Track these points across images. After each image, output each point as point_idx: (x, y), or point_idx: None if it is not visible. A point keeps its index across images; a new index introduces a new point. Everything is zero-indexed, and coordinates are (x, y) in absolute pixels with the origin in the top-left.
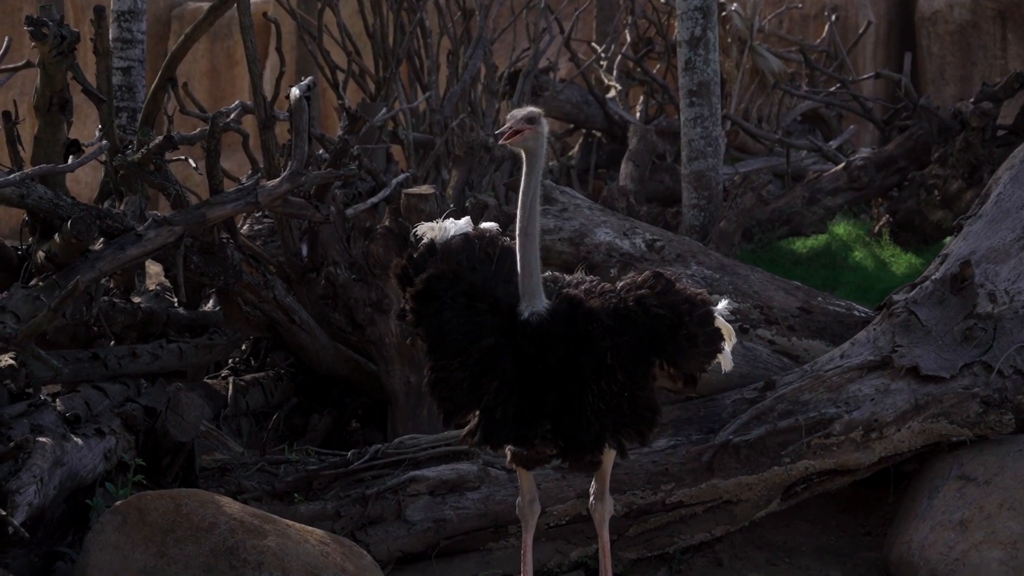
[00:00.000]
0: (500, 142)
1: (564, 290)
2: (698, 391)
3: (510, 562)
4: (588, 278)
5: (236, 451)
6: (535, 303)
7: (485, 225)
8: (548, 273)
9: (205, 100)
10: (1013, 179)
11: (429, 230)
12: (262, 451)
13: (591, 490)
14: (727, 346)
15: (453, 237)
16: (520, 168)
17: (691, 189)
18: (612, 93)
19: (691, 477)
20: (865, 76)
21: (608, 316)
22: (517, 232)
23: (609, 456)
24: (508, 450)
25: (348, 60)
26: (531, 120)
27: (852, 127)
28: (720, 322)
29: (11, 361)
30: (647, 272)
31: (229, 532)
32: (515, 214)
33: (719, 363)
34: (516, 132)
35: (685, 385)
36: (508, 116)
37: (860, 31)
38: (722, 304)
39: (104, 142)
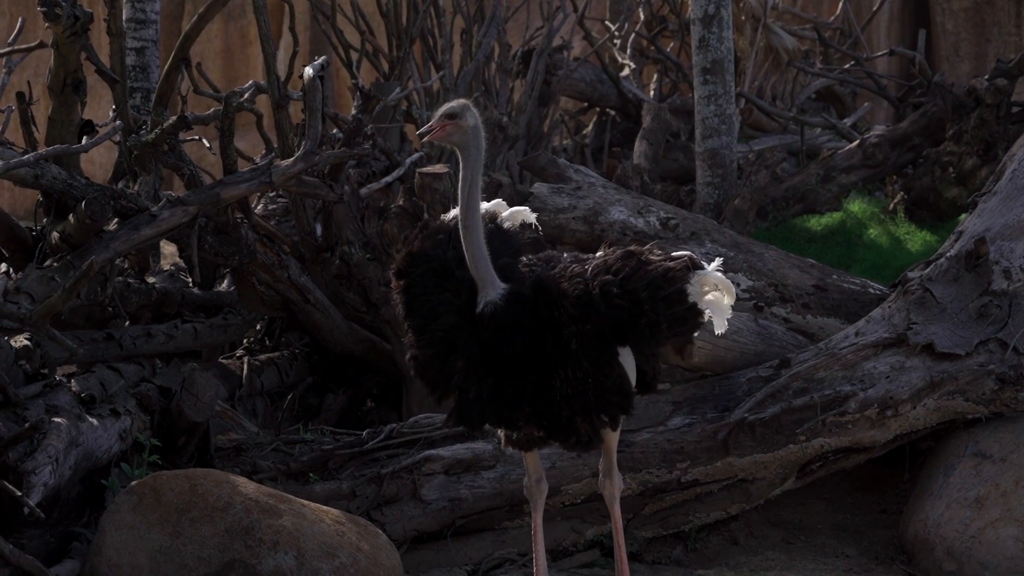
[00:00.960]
0: (424, 140)
1: (538, 273)
2: (712, 369)
3: (526, 541)
4: (568, 257)
5: (251, 431)
6: (488, 292)
7: (489, 206)
8: (546, 253)
9: (219, 80)
10: None
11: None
12: (277, 431)
13: (600, 468)
14: (720, 311)
15: (452, 218)
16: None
17: (705, 167)
18: (626, 71)
19: (706, 455)
20: (879, 54)
21: (572, 303)
22: (460, 225)
23: (610, 434)
24: (500, 432)
25: (362, 39)
26: (451, 115)
27: (866, 104)
28: (698, 294)
29: (26, 342)
30: (618, 252)
31: (244, 512)
32: (529, 192)
33: (712, 326)
34: (440, 129)
35: (677, 354)
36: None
37: (874, 8)
38: (713, 265)
39: (118, 122)
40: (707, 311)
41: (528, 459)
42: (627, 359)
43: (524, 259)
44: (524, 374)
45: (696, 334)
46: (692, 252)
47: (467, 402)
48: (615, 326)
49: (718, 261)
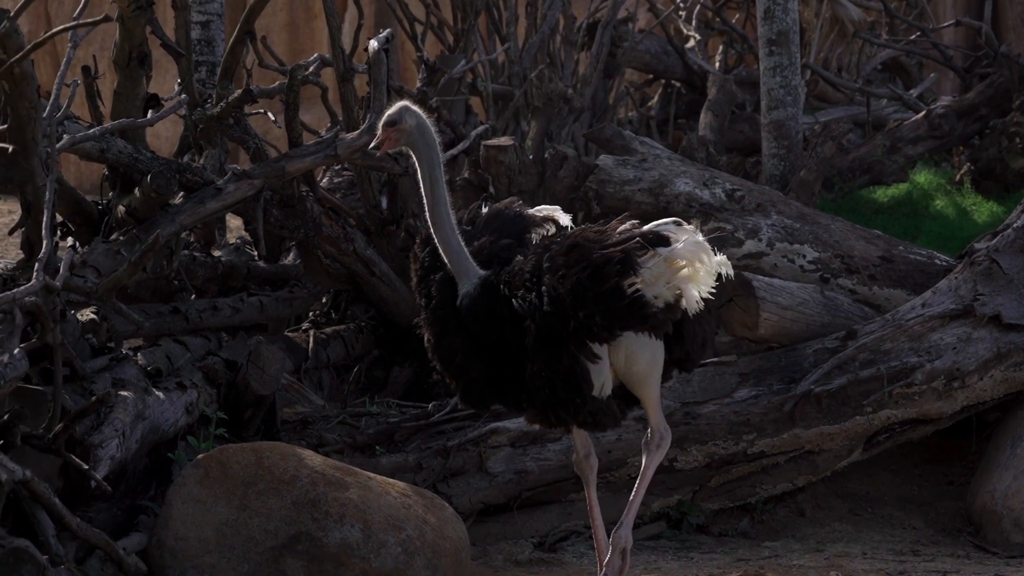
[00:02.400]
0: (377, 154)
1: (511, 263)
2: (778, 341)
3: (588, 514)
4: (549, 240)
5: (317, 404)
6: (465, 284)
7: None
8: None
9: (284, 53)
10: None
11: None
12: (343, 404)
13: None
14: (698, 284)
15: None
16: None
17: (771, 139)
18: (691, 43)
19: (773, 427)
20: (945, 24)
21: (511, 306)
22: (429, 221)
23: (646, 391)
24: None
25: (427, 12)
26: (391, 123)
27: (932, 75)
28: (652, 278)
29: (93, 315)
30: (565, 243)
31: (311, 485)
32: (594, 164)
33: (689, 298)
34: (385, 140)
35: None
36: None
37: None
38: (684, 236)
39: (183, 96)
40: (674, 291)
41: (574, 434)
42: (638, 345)
43: (534, 237)
44: (508, 360)
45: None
46: (676, 225)
47: (467, 383)
48: (548, 329)
49: (689, 228)
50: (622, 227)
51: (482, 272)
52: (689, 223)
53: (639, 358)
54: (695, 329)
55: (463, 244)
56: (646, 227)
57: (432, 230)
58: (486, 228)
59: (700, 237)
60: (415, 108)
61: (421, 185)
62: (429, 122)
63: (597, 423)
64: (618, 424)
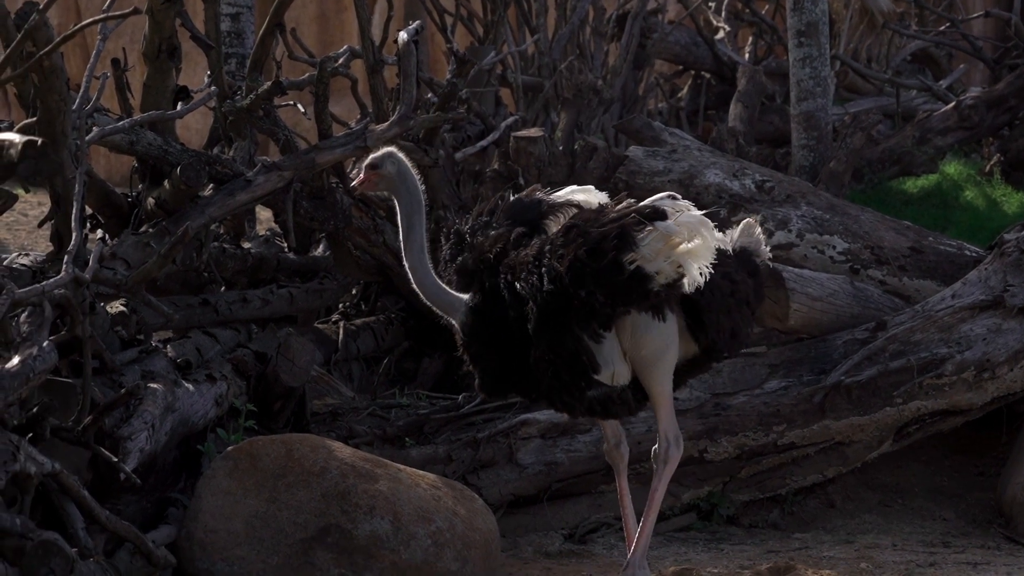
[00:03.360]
0: (356, 194)
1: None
2: (808, 332)
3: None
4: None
5: (347, 396)
6: (455, 316)
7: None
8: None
9: (314, 45)
10: None
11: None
12: (373, 395)
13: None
14: (697, 258)
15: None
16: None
17: (800, 129)
18: (721, 34)
19: (803, 418)
20: (975, 15)
21: (520, 284)
22: (407, 266)
23: (653, 381)
24: None
25: (456, 3)
26: (372, 166)
27: (962, 66)
28: (653, 253)
29: (122, 307)
30: (562, 228)
31: (340, 477)
32: (624, 156)
33: (689, 275)
34: (365, 181)
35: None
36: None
37: None
38: (681, 215)
39: (213, 88)
40: (675, 266)
41: (604, 424)
42: (655, 326)
43: (551, 223)
44: (516, 350)
45: (685, 289)
46: (671, 199)
47: (483, 370)
48: (549, 310)
49: (685, 203)
50: (620, 205)
51: (464, 298)
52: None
53: (645, 342)
54: (720, 319)
55: (439, 282)
56: (643, 203)
57: (410, 275)
58: (504, 217)
59: (696, 211)
60: (399, 156)
61: (400, 227)
62: (411, 168)
63: (607, 411)
64: (632, 414)
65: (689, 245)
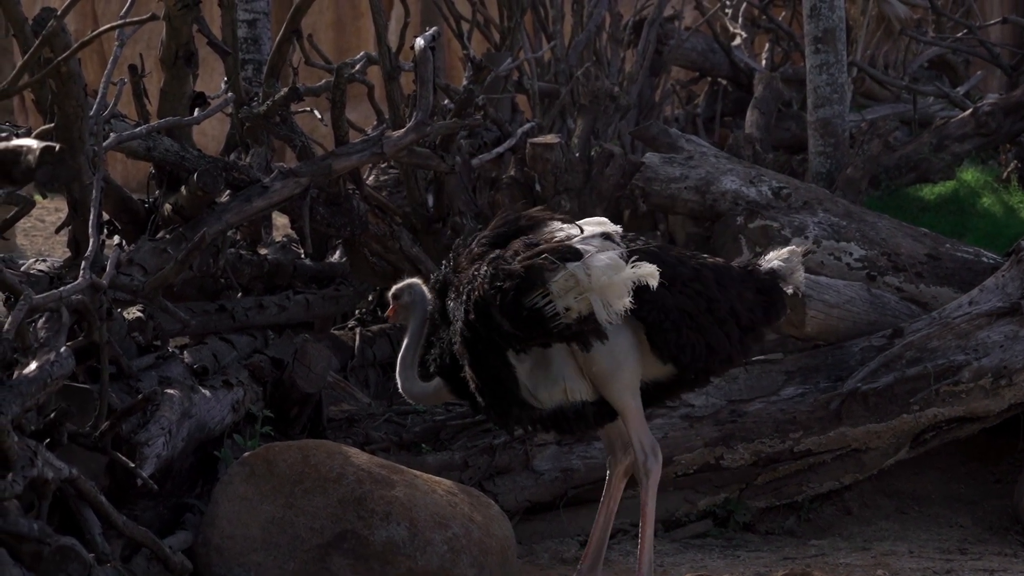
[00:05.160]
0: (388, 321)
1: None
2: (825, 339)
3: (637, 511)
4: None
5: (363, 402)
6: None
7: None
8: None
9: (330, 51)
10: None
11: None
12: (389, 402)
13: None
14: (609, 300)
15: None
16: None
17: (817, 136)
18: (737, 41)
19: (819, 425)
20: (992, 22)
21: (449, 304)
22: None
23: (614, 396)
24: None
25: (473, 10)
26: (395, 296)
27: (979, 73)
28: (562, 290)
29: (139, 313)
30: (486, 263)
31: (357, 483)
32: (640, 162)
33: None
34: (392, 310)
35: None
36: None
37: None
38: (595, 253)
39: (230, 94)
40: (585, 304)
41: (601, 434)
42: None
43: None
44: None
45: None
46: (602, 238)
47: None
48: (469, 336)
49: (610, 244)
50: (557, 237)
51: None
52: (622, 236)
53: (593, 360)
54: (683, 336)
55: (418, 383)
56: (573, 240)
57: (398, 370)
58: (493, 236)
59: (613, 253)
60: (419, 288)
61: (405, 340)
62: (427, 295)
63: (561, 427)
64: (592, 429)
65: (595, 284)
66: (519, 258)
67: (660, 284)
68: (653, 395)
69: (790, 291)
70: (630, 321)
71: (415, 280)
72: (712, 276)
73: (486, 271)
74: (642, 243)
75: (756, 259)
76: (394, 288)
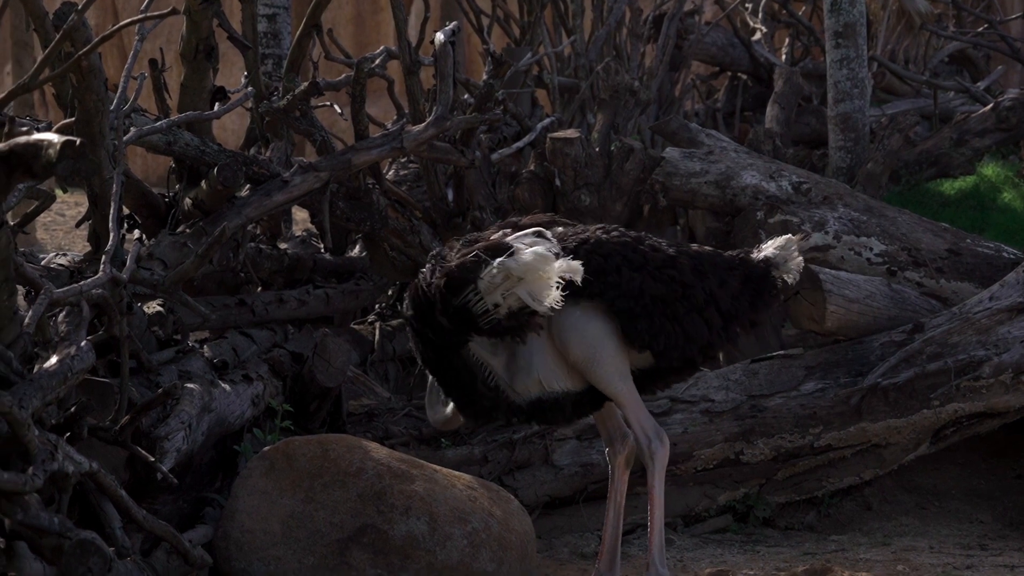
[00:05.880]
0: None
1: None
2: (845, 334)
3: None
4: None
5: (383, 396)
6: None
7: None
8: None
9: (350, 46)
10: None
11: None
12: (409, 396)
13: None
14: (538, 291)
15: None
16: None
17: (837, 131)
18: (758, 35)
19: (839, 420)
20: (1013, 16)
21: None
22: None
23: (602, 383)
24: None
25: (492, 5)
26: None
27: (1000, 68)
28: (490, 287)
29: (159, 308)
30: (423, 275)
31: (376, 477)
32: (660, 157)
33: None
34: None
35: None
36: None
37: None
38: (524, 248)
39: (250, 89)
40: (516, 299)
41: (599, 428)
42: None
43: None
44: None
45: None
46: (536, 235)
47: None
48: (416, 331)
49: (528, 239)
50: (495, 236)
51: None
52: (558, 228)
53: (569, 348)
54: (656, 324)
55: (440, 411)
56: (509, 238)
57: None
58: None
59: (540, 248)
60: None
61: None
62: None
63: (539, 418)
64: (568, 421)
65: (523, 279)
66: (456, 253)
67: (632, 271)
68: (641, 383)
69: (788, 279)
70: (603, 308)
71: None
72: (690, 263)
73: (427, 269)
74: (598, 233)
75: (752, 248)
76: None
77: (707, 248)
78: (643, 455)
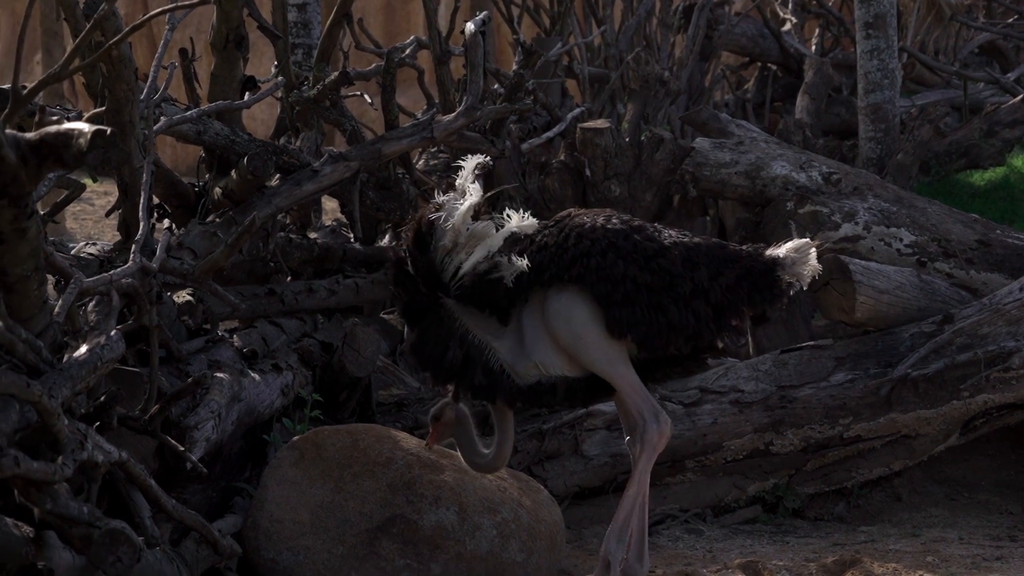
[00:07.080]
0: (428, 449)
1: None
2: (875, 325)
3: (687, 496)
4: None
5: (413, 386)
6: None
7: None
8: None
9: (380, 36)
10: None
11: None
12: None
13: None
14: (481, 248)
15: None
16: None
17: (868, 122)
18: (787, 26)
19: (869, 411)
20: None
21: None
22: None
23: (594, 364)
24: None
25: None
26: (435, 417)
27: None
28: (450, 241)
29: (189, 297)
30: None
31: (406, 467)
32: (690, 147)
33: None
34: (433, 433)
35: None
36: None
37: None
38: (464, 202)
39: (280, 78)
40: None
41: (620, 417)
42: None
43: None
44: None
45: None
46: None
47: None
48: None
49: (470, 195)
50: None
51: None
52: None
53: (556, 333)
54: (637, 313)
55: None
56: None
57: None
58: None
59: (472, 199)
60: (456, 403)
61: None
62: (466, 410)
63: (534, 401)
64: (560, 405)
65: (475, 229)
66: (418, 217)
67: (617, 257)
68: (640, 374)
69: (794, 282)
70: (589, 294)
71: (447, 399)
72: (682, 254)
73: (404, 236)
74: (600, 219)
75: (770, 245)
76: (432, 410)
77: (713, 240)
78: (636, 435)
